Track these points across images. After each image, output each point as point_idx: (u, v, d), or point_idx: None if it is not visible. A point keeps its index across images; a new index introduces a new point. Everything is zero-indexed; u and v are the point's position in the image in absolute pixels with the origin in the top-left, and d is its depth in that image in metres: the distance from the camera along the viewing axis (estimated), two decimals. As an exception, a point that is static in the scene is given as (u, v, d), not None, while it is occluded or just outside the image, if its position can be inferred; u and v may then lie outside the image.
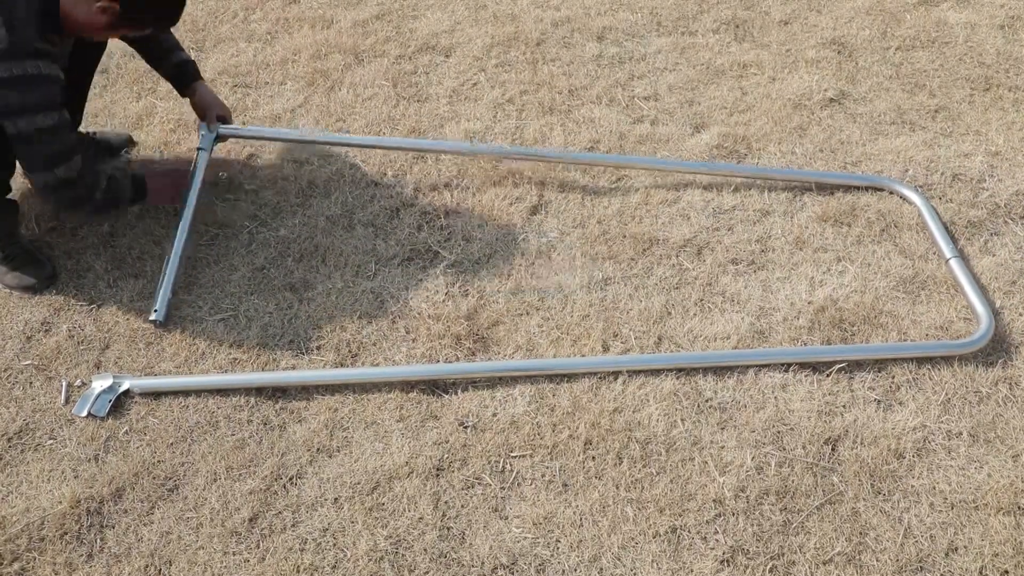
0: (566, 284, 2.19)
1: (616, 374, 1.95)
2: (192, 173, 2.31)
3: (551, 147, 2.61)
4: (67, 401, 1.90)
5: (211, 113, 2.39)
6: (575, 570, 1.62)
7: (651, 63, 3.05)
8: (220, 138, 2.44)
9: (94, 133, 2.54)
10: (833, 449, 1.83)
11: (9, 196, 2.14)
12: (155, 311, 2.03)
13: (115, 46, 3.03)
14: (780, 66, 3.04)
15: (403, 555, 1.63)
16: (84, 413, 1.85)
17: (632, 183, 2.51)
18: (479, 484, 1.76)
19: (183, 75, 2.35)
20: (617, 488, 1.74)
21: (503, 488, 1.75)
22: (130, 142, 2.60)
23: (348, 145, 2.56)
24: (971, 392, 1.94)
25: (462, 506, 1.72)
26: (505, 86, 2.91)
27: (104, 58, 2.94)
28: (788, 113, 2.80)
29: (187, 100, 2.43)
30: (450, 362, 1.99)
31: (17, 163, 2.23)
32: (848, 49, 3.13)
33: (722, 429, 1.86)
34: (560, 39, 3.16)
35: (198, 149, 2.37)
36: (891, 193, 2.48)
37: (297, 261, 2.24)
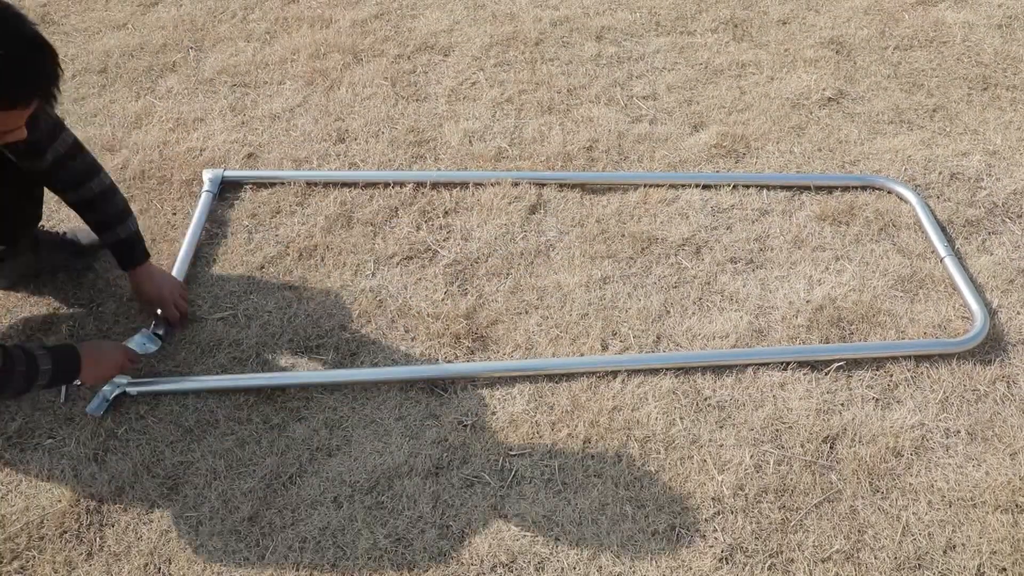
0: (565, 283, 2.19)
1: (615, 373, 1.95)
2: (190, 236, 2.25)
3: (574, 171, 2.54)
4: (66, 400, 1.90)
5: (167, 310, 1.98)
6: (574, 568, 1.62)
7: (650, 63, 3.05)
8: (225, 186, 2.41)
9: (63, 233, 2.13)
10: (831, 447, 1.83)
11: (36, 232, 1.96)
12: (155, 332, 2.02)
13: (114, 45, 3.04)
14: (778, 66, 3.04)
15: (403, 554, 1.64)
16: (84, 412, 1.85)
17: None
18: (478, 483, 1.76)
19: (129, 254, 1.97)
20: (616, 486, 1.75)
21: (502, 487, 1.75)
22: (99, 247, 2.14)
23: (360, 182, 2.49)
24: (969, 390, 1.95)
25: (461, 505, 1.72)
26: (504, 85, 2.91)
27: (103, 57, 2.96)
28: (786, 112, 2.81)
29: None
30: (449, 361, 2.00)
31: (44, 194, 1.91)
32: (846, 49, 3.13)
33: (721, 427, 1.86)
34: (559, 39, 3.17)
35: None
36: (889, 192, 2.49)
37: (296, 260, 2.25)
